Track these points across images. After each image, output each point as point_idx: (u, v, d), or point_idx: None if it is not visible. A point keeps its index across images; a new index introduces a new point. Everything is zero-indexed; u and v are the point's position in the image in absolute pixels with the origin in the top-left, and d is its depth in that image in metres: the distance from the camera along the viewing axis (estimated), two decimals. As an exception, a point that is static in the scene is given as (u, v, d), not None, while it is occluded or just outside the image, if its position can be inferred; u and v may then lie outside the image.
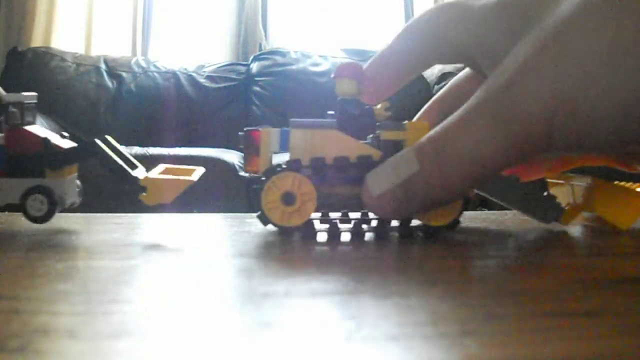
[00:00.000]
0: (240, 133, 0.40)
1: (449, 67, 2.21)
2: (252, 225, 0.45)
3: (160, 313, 0.21)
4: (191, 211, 0.46)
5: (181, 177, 0.41)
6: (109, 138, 0.43)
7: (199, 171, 0.42)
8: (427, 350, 0.17)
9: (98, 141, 0.42)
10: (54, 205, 0.42)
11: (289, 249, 0.35)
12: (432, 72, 2.20)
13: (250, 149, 0.40)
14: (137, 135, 1.92)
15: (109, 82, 2.01)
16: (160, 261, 0.32)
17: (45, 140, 0.42)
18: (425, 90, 2.09)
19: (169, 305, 0.22)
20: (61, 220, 0.48)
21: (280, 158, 0.40)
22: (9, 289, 0.24)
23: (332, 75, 0.41)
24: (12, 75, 1.91)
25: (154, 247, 0.37)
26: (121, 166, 0.42)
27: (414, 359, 0.17)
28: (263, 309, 0.21)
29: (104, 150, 0.42)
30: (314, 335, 0.19)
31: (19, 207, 0.42)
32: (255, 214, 0.39)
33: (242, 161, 1.62)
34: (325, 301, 0.23)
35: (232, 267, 0.30)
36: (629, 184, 0.45)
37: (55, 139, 0.43)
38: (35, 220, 0.41)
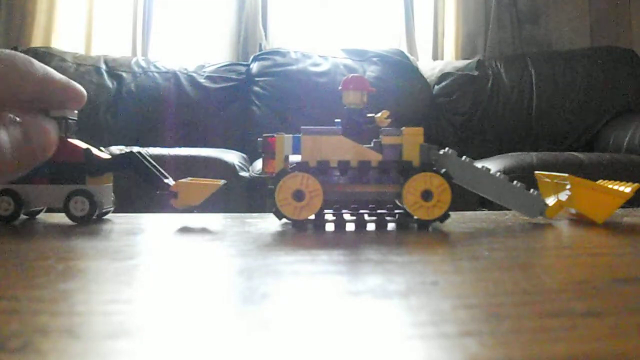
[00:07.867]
0: (259, 139, 0.44)
1: (448, 67, 2.21)
2: (252, 225, 0.45)
3: (160, 313, 0.21)
4: (191, 211, 0.46)
5: (208, 182, 0.45)
6: (141, 150, 0.47)
7: (221, 181, 0.46)
8: (427, 350, 0.17)
9: (135, 152, 0.46)
10: (94, 207, 0.45)
11: (289, 249, 0.35)
12: (433, 72, 2.20)
13: (267, 152, 0.44)
14: (137, 135, 1.92)
15: (109, 82, 2.01)
16: (160, 261, 0.32)
17: (87, 151, 0.46)
18: (425, 90, 2.09)
19: (169, 305, 0.22)
20: (60, 221, 0.48)
21: (297, 159, 0.44)
22: (9, 289, 0.24)
23: (339, 87, 0.45)
24: (12, 76, 1.90)
25: (154, 247, 0.37)
26: (155, 174, 0.46)
27: (414, 359, 0.17)
28: (263, 309, 0.21)
29: (140, 160, 0.46)
30: (314, 335, 0.19)
31: (62, 209, 0.45)
32: (255, 213, 0.41)
33: (241, 161, 1.62)
34: (326, 302, 0.23)
35: (232, 267, 0.30)
36: (605, 182, 0.48)
37: (95, 150, 0.46)
38: (76, 220, 0.45)
